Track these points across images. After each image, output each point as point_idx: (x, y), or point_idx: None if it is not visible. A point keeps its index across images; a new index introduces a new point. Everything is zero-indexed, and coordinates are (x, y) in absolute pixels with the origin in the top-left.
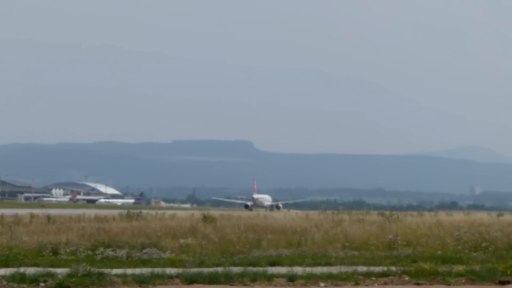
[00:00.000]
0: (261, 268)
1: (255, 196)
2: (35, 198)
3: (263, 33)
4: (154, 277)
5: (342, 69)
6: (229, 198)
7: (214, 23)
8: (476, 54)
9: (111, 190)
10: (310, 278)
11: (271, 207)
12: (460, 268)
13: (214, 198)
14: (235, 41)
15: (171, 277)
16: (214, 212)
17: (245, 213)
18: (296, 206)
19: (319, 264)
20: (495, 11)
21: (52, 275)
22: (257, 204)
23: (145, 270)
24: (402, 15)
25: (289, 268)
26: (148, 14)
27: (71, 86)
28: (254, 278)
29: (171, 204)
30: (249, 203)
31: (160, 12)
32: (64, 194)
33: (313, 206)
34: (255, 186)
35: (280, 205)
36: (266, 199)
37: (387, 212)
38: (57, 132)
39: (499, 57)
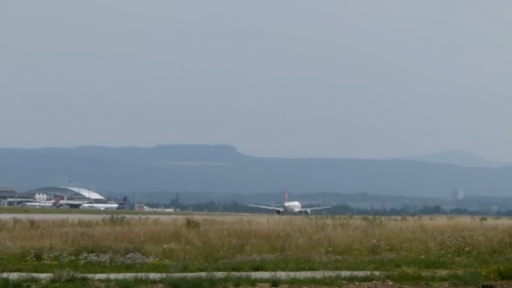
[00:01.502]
0: (244, 273)
1: (286, 204)
2: (18, 203)
3: (246, 40)
4: (137, 282)
5: (322, 74)
6: (260, 204)
7: (197, 30)
8: (461, 60)
9: (94, 195)
10: (293, 283)
11: (300, 213)
12: (443, 272)
13: (250, 205)
14: (219, 48)
15: (154, 282)
16: (198, 217)
17: (228, 218)
18: (321, 212)
19: (303, 269)
20: (484, 17)
21: (35, 281)
22: (288, 211)
23: (129, 275)
24: (394, 19)
25: (272, 273)
26: (133, 20)
27: (54, 92)
28: (238, 283)
29: (155, 209)
30: (280, 209)
31: (146, 18)
32: (48, 199)
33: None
34: (286, 195)
35: (309, 211)
36: (296, 205)
37: (371, 217)
38: (40, 137)
39: (483, 63)
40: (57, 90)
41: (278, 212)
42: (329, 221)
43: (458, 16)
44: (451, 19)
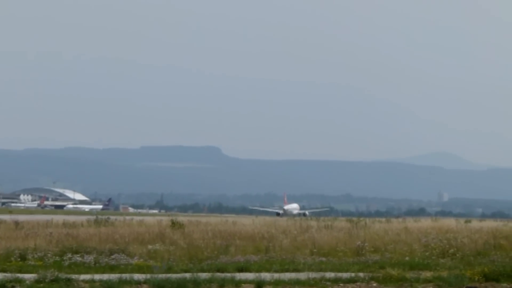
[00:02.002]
0: (229, 274)
1: (286, 207)
2: (3, 203)
3: (231, 42)
4: (122, 283)
5: (309, 75)
6: (263, 207)
7: (182, 32)
8: (449, 62)
9: (79, 196)
10: (278, 284)
11: (298, 215)
12: (427, 274)
13: (252, 207)
14: (204, 50)
15: (139, 283)
16: (182, 218)
17: (213, 219)
18: (319, 214)
19: (287, 270)
20: (468, 18)
21: (19, 281)
22: (287, 213)
23: (113, 276)
24: (384, 20)
25: (257, 274)
26: (120, 20)
27: (39, 93)
28: (222, 284)
29: (139, 210)
30: (280, 212)
31: (134, 19)
32: (32, 200)
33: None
34: (285, 199)
35: (307, 213)
36: (295, 208)
37: (355, 219)
38: (25, 138)
39: (470, 64)
40: (42, 92)
41: (278, 214)
42: (313, 222)
43: (448, 18)
44: (441, 21)
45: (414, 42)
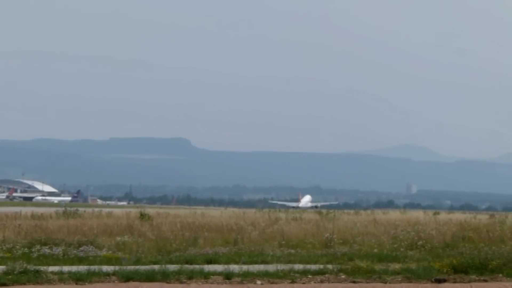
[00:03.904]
0: (197, 266)
1: (301, 205)
2: None
3: (202, 37)
4: (90, 275)
5: (276, 69)
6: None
7: (149, 26)
8: (415, 51)
9: (48, 188)
10: (246, 276)
11: (311, 208)
12: (396, 266)
13: (270, 201)
14: (174, 44)
15: (107, 274)
16: (151, 210)
17: (182, 211)
18: (330, 207)
19: (256, 262)
20: (448, 10)
21: None
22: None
23: (82, 268)
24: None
25: (225, 266)
26: (82, 18)
27: (8, 86)
28: (191, 276)
29: (108, 202)
30: (294, 205)
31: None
32: (1, 192)
33: (250, 204)
34: (300, 197)
35: (318, 205)
36: (308, 200)
37: (324, 211)
38: None
39: (443, 56)
40: (11, 84)
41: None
42: (282, 214)
43: (424, 12)
44: (414, 14)
45: (390, 34)
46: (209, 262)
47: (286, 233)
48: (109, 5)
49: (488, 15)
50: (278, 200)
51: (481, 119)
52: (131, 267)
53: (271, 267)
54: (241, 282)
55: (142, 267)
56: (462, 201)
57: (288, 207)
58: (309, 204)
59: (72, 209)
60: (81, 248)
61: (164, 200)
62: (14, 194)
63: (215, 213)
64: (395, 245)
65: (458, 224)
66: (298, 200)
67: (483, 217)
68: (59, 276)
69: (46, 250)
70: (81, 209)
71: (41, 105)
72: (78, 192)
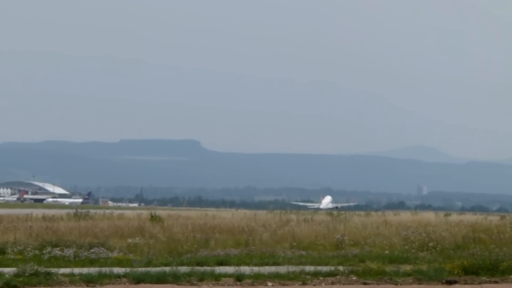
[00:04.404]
0: (208, 268)
1: (322, 206)
2: None
3: (210, 38)
4: (101, 277)
5: (287, 71)
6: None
7: (158, 26)
8: (422, 52)
9: (58, 190)
10: (257, 277)
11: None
12: (407, 267)
13: (293, 202)
14: (184, 45)
15: (118, 276)
16: (162, 212)
17: (193, 213)
18: (349, 209)
19: (267, 264)
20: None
21: None
22: (322, 209)
23: (93, 270)
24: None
25: (236, 268)
26: (90, 17)
27: (18, 87)
28: (202, 278)
29: (119, 204)
30: (316, 206)
31: (112, 16)
32: (12, 194)
33: (261, 206)
34: (322, 200)
35: (339, 206)
36: (329, 201)
37: (335, 212)
38: (4, 131)
39: (451, 58)
40: (21, 86)
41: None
42: (293, 216)
43: (432, 14)
44: (422, 16)
45: (396, 35)
46: (220, 264)
47: (297, 234)
48: (119, 4)
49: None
50: (289, 202)
51: (490, 121)
52: (142, 269)
53: (282, 269)
54: (252, 284)
55: (153, 269)
56: (473, 203)
57: (309, 208)
58: (330, 205)
59: (83, 211)
60: (92, 250)
61: (175, 202)
62: (25, 196)
63: (226, 215)
64: (406, 247)
65: (469, 225)
66: (318, 201)
67: (494, 219)
68: (70, 278)
69: (57, 252)
70: (92, 211)
71: (51, 107)
72: (89, 194)
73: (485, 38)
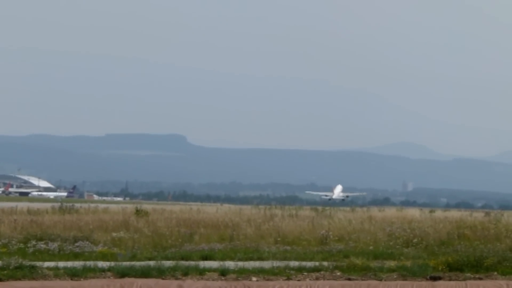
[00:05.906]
0: (193, 262)
1: (334, 196)
2: None
3: (199, 35)
4: (86, 271)
5: (273, 68)
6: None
7: (145, 24)
8: (409, 49)
9: (44, 183)
10: (242, 272)
11: (342, 199)
12: (391, 263)
13: (307, 192)
14: (172, 43)
15: (103, 270)
16: (147, 206)
17: (177, 207)
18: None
19: (251, 259)
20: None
21: None
22: (335, 200)
23: (77, 263)
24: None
25: (221, 263)
26: (78, 15)
27: (4, 82)
28: (186, 272)
29: (104, 198)
30: (328, 197)
31: (90, 13)
32: None
33: (246, 201)
34: (334, 190)
35: (349, 195)
36: (340, 190)
37: (320, 208)
38: None
39: (434, 54)
40: (8, 81)
41: (330, 199)
42: (278, 211)
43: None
44: (406, 13)
45: (386, 32)
46: (205, 258)
47: (281, 230)
48: (103, 2)
49: (487, 15)
50: (273, 198)
51: (477, 118)
52: (126, 263)
53: (266, 264)
54: (236, 279)
55: (138, 263)
56: (458, 199)
57: (323, 198)
58: (341, 194)
59: (68, 204)
60: (77, 244)
61: (160, 196)
62: (10, 189)
63: (211, 210)
64: (391, 243)
65: (454, 222)
66: (331, 191)
67: (478, 215)
68: (55, 271)
69: (41, 245)
70: (77, 205)
71: (37, 101)
72: (74, 187)
73: (476, 36)
